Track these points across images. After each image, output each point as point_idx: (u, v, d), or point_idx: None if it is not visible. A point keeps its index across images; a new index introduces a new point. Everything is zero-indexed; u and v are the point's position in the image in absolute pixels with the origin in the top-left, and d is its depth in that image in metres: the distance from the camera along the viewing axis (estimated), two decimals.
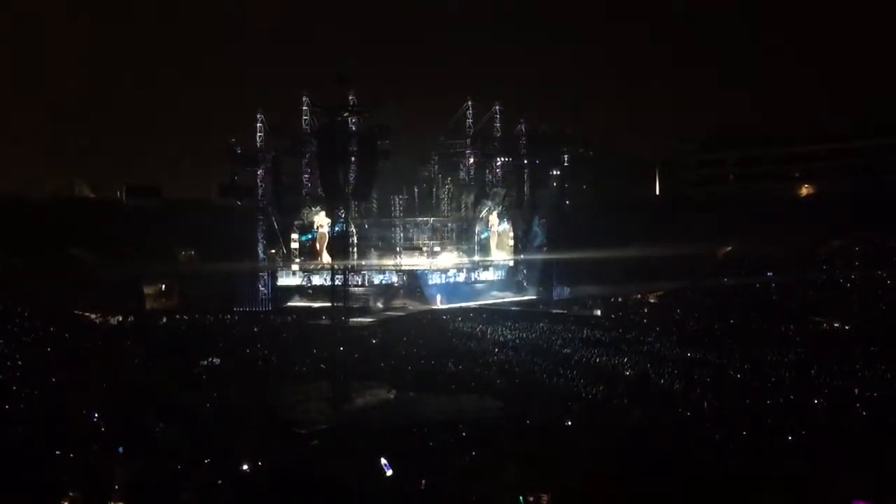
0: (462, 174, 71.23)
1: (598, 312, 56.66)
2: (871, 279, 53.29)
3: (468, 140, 69.65)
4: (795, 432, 24.35)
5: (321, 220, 64.69)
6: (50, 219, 64.56)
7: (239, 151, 64.58)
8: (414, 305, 61.40)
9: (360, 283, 63.80)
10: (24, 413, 27.38)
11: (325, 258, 63.96)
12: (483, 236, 70.17)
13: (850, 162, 73.54)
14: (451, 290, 64.95)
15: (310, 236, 66.30)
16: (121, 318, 52.46)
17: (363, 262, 65.32)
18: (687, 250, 60.26)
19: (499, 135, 69.94)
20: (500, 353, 40.81)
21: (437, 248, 67.83)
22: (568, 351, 40.79)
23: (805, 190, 76.78)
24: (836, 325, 46.13)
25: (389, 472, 20.02)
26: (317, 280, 64.73)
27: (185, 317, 54.97)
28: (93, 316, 51.66)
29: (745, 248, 63.70)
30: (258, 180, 64.81)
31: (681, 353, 39.31)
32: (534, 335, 45.88)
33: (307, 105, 63.55)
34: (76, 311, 51.56)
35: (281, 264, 66.33)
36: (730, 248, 66.65)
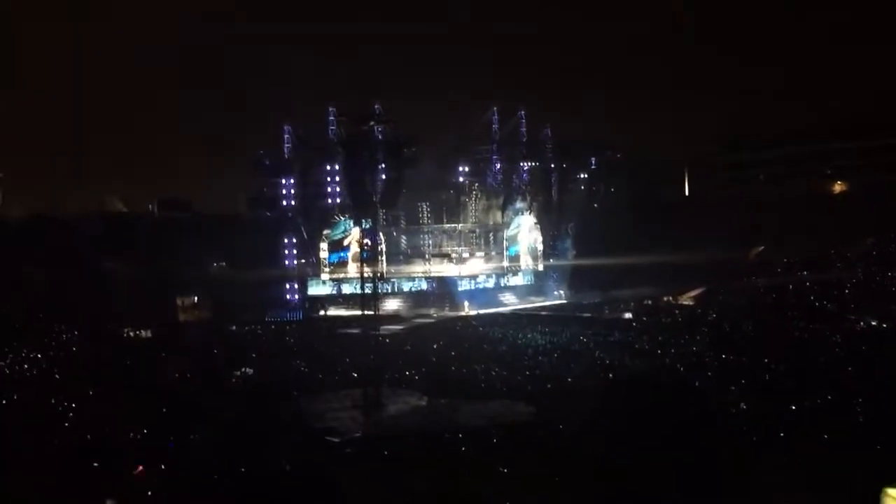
0: (489, 180, 71.28)
1: (629, 316, 56.23)
2: None
3: (494, 145, 69.70)
4: (834, 432, 23.98)
5: (356, 236, 64.51)
6: (83, 234, 65.51)
7: (267, 163, 65.26)
8: (443, 312, 61.45)
9: (389, 290, 64.01)
10: (62, 427, 27.74)
11: (355, 268, 64.18)
12: (511, 242, 70.04)
13: (884, 158, 72.41)
14: (480, 296, 64.92)
15: (339, 256, 66.22)
16: (154, 331, 53.01)
17: (392, 270, 65.51)
18: (718, 251, 59.68)
19: (525, 139, 69.93)
20: (530, 358, 40.65)
21: (465, 255, 67.87)
22: (599, 354, 40.52)
23: (838, 187, 75.74)
24: (872, 323, 45.40)
25: None
26: (347, 289, 65.02)
27: (217, 328, 55.41)
28: (127, 329, 52.22)
29: (777, 248, 62.97)
30: (287, 191, 65.35)
31: (715, 355, 38.88)
32: (564, 340, 45.67)
33: (333, 115, 64.03)
34: (111, 325, 52.16)
35: (311, 274, 66.72)
36: (762, 248, 65.93)
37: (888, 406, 27.48)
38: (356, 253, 64.74)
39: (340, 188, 65.50)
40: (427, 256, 67.96)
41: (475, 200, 71.33)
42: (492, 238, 70.90)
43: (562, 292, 68.99)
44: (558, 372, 36.77)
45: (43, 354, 41.58)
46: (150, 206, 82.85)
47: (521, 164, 71.02)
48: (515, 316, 57.91)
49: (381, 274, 61.63)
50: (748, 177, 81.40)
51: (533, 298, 68.25)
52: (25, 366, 39.24)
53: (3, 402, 31.26)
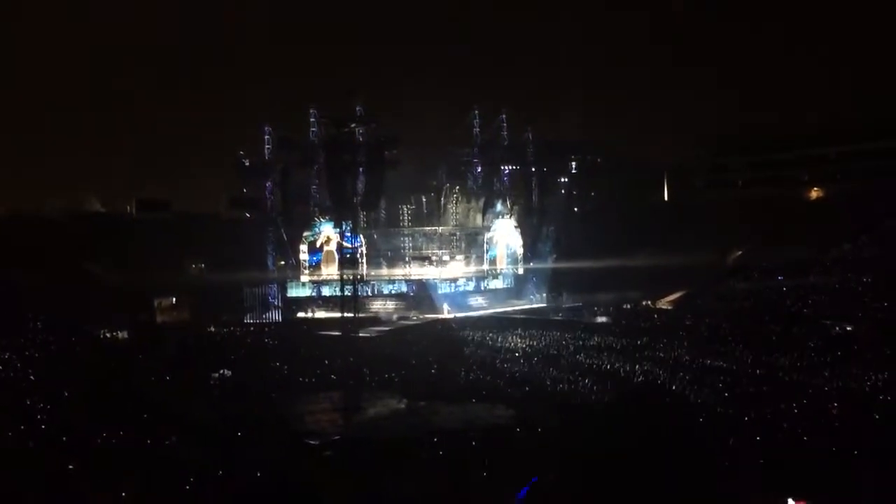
0: (470, 183, 71.36)
1: (609, 319, 56.50)
2: (882, 282, 52.96)
3: (475, 148, 69.78)
4: (810, 436, 24.25)
5: (329, 233, 64.45)
6: (61, 234, 64.88)
7: (247, 164, 64.91)
8: (423, 315, 61.42)
9: (369, 293, 63.90)
10: (37, 428, 27.47)
11: (334, 270, 63.95)
12: (492, 245, 70.07)
13: (861, 165, 73.16)
14: (460, 299, 64.98)
15: (319, 257, 66.04)
16: (132, 332, 52.57)
17: (372, 273, 65.40)
18: (697, 255, 60.11)
19: (506, 143, 70.07)
20: (510, 361, 40.75)
21: (445, 258, 67.87)
22: (579, 358, 40.69)
23: (815, 193, 76.49)
24: (847, 328, 45.88)
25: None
26: (326, 291, 64.84)
27: (196, 329, 55.05)
28: (104, 330, 51.77)
29: (756, 252, 63.50)
30: (267, 192, 65.08)
31: (692, 358, 39.17)
32: (544, 343, 45.80)
33: (314, 116, 63.80)
34: (88, 326, 51.67)
35: (290, 276, 66.47)
36: (740, 252, 66.46)
37: (861, 410, 27.86)
38: (329, 252, 64.74)
39: (321, 190, 65.31)
40: (407, 259, 67.92)
41: (456, 203, 71.37)
42: (472, 241, 70.92)
43: (542, 295, 69.15)
44: (538, 375, 36.93)
45: (18, 355, 41.10)
46: (128, 207, 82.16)
47: (502, 167, 71.15)
48: (495, 319, 57.98)
49: (361, 276, 61.54)
50: (728, 181, 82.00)
51: (513, 301, 68.39)
52: None
53: None
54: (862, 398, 29.95)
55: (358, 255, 60.24)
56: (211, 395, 34.31)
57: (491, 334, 49.33)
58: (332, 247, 63.85)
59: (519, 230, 71.00)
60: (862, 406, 28.49)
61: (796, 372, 35.20)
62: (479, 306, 65.52)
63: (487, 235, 69.74)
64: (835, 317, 47.77)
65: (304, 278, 66.00)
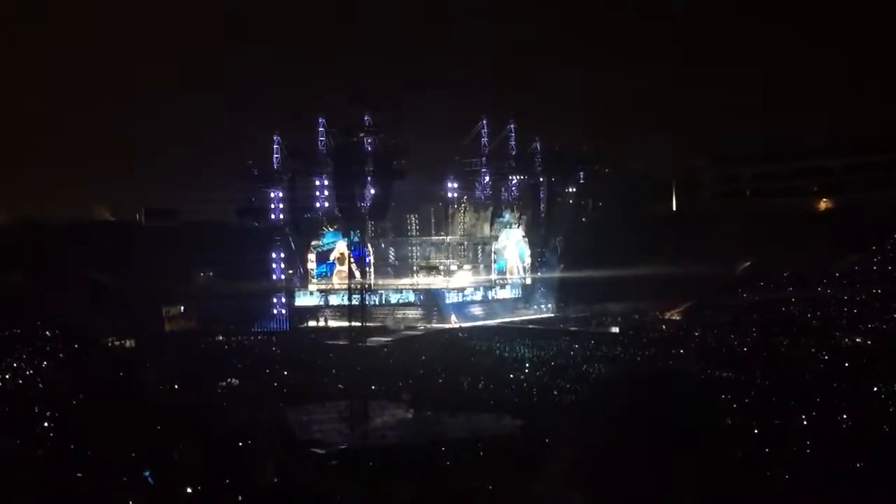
0: (478, 192, 71.35)
1: (616, 330, 56.27)
2: (892, 293, 52.66)
3: (484, 158, 69.81)
4: (819, 449, 24.05)
5: (343, 249, 64.31)
6: (69, 242, 65.10)
7: (256, 173, 65.08)
8: (431, 324, 61.33)
9: (376, 302, 63.86)
10: (45, 436, 27.51)
11: (343, 279, 63.94)
12: (499, 255, 69.97)
13: (870, 175, 72.86)
14: (467, 309, 64.87)
15: (326, 269, 66.04)
16: (140, 340, 52.66)
17: (380, 282, 65.38)
18: (705, 266, 59.86)
19: (514, 153, 70.10)
20: (517, 371, 40.64)
21: (453, 267, 67.76)
22: (586, 368, 40.55)
23: (823, 204, 76.16)
24: (857, 340, 45.59)
25: None
26: (334, 300, 64.79)
27: (203, 338, 55.10)
28: (112, 338, 51.86)
29: (764, 263, 63.21)
30: (275, 201, 65.20)
31: (700, 369, 38.94)
32: (551, 353, 45.66)
33: (323, 126, 63.95)
34: (96, 334, 51.78)
35: (298, 285, 66.51)
36: (748, 263, 66.19)
37: (870, 424, 27.63)
38: (340, 271, 64.71)
39: (329, 199, 65.40)
40: (415, 268, 67.87)
41: (464, 213, 71.29)
42: (480, 251, 70.84)
43: (549, 306, 69.02)
44: (545, 385, 36.79)
45: (26, 363, 41.19)
46: (137, 215, 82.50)
47: (510, 177, 71.17)
48: (503, 329, 57.83)
49: (369, 285, 61.56)
50: (736, 192, 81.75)
51: (521, 311, 68.25)
52: (7, 375, 38.87)
53: None
54: (871, 410, 29.71)
55: (366, 265, 60.31)
56: (218, 403, 34.31)
57: (498, 344, 49.21)
58: (345, 266, 63.51)
59: (527, 240, 70.94)
60: (871, 418, 28.26)
61: (805, 384, 34.96)
62: (487, 316, 65.42)
63: (495, 245, 69.66)
64: (844, 328, 47.50)
65: (312, 287, 65.98)
